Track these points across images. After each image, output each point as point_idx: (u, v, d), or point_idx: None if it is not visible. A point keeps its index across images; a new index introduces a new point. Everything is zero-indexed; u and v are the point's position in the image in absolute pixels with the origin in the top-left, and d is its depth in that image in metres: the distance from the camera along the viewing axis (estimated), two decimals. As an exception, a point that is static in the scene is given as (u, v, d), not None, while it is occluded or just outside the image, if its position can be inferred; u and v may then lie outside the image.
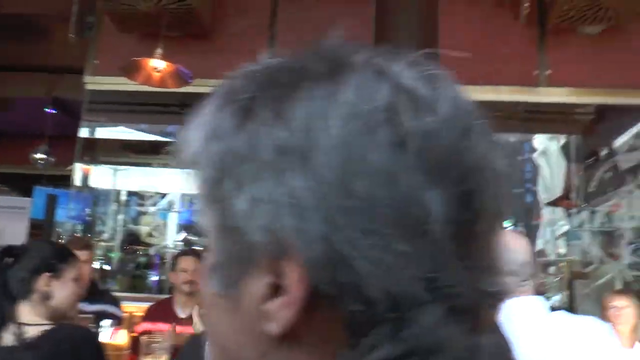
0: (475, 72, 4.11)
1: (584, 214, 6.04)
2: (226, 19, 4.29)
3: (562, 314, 1.57)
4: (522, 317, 1.48)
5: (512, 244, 1.56)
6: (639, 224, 5.62)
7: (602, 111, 5.36)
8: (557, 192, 6.65)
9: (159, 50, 3.12)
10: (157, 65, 3.10)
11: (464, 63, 4.02)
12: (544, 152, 6.88)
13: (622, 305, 3.50)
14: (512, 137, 6.12)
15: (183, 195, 6.89)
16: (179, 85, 3.29)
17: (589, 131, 5.81)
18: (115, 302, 3.44)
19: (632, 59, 4.15)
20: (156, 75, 3.15)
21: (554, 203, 6.57)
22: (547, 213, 7.12)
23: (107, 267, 6.20)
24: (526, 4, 3.58)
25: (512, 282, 1.53)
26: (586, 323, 1.55)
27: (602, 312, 3.67)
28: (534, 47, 4.14)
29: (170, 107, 6.07)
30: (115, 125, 6.99)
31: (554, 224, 6.87)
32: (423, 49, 2.03)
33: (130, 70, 3.12)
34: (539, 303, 1.55)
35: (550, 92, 4.12)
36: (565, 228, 6.65)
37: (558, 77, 4.10)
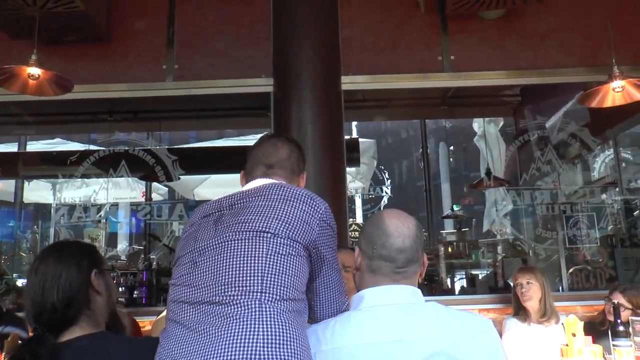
0: (379, 60, 4.11)
1: (526, 193, 6.06)
2: (123, 21, 4.21)
3: (434, 305, 1.49)
4: (389, 305, 1.43)
5: (393, 229, 1.51)
6: (575, 199, 5.69)
7: (526, 92, 5.42)
8: (499, 173, 6.73)
9: (33, 57, 2.99)
10: (33, 72, 2.97)
11: (366, 52, 4.06)
12: (483, 136, 6.94)
13: (527, 281, 3.54)
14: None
15: (126, 205, 6.79)
16: (58, 92, 3.17)
17: (519, 113, 5.85)
18: (20, 323, 3.33)
19: (532, 41, 4.18)
20: (32, 82, 3.02)
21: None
22: (490, 194, 7.21)
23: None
24: (420, -8, 3.54)
25: (386, 267, 1.47)
26: (457, 317, 1.47)
27: (513, 289, 3.72)
28: (436, 33, 4.13)
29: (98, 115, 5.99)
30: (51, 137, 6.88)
31: (498, 204, 6.95)
32: (324, 41, 2.05)
33: (4, 78, 2.99)
34: (408, 292, 1.48)
35: (454, 77, 4.11)
36: (509, 208, 6.74)
37: (461, 62, 4.09)
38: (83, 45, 4.10)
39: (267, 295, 1.41)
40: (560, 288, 5.38)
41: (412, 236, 1.52)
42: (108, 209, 6.61)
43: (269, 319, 1.38)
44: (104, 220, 6.53)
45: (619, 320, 2.99)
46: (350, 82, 4.04)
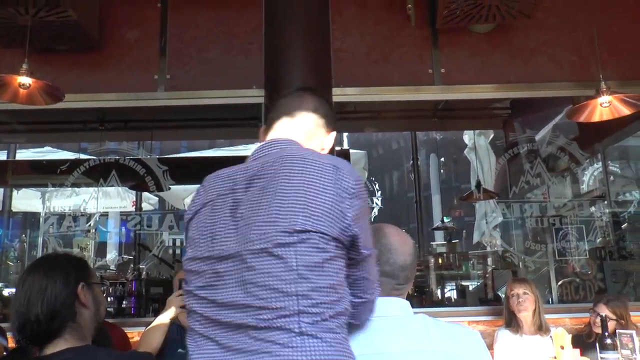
0: (370, 73, 4.13)
1: (516, 206, 6.12)
2: (115, 30, 4.21)
3: (423, 318, 1.51)
4: (378, 317, 1.45)
5: (397, 246, 1.51)
6: (564, 212, 5.74)
7: (515, 105, 5.48)
8: (489, 185, 6.77)
9: (24, 66, 2.99)
10: (24, 81, 2.96)
11: (358, 64, 4.07)
12: (473, 148, 6.99)
13: (524, 292, 3.56)
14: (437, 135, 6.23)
15: (116, 214, 6.77)
16: (49, 102, 3.17)
17: (509, 126, 5.90)
18: (2, 333, 3.31)
19: (521, 56, 4.23)
20: (23, 92, 3.02)
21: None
22: (480, 206, 7.25)
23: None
24: (409, 6, 3.59)
25: (387, 284, 1.49)
26: (445, 329, 1.49)
27: (505, 301, 3.73)
28: (427, 47, 4.16)
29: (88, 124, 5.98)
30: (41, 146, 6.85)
31: (488, 216, 6.99)
32: (316, 53, 2.00)
33: (-4, 87, 2.99)
34: (398, 304, 1.50)
35: (444, 90, 4.14)
36: (499, 220, 6.78)
37: (452, 75, 4.13)
38: (75, 54, 4.10)
39: (306, 316, 1.23)
40: (550, 300, 5.41)
41: (412, 254, 1.55)
42: (98, 219, 6.59)
43: (311, 346, 1.22)
44: (94, 230, 6.50)
45: (606, 333, 3.02)
46: (341, 94, 4.05)
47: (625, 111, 3.45)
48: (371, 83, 4.09)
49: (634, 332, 3.05)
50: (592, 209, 6.33)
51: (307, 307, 1.22)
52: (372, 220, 11.30)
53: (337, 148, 5.79)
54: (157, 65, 4.20)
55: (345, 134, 8.46)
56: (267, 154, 1.43)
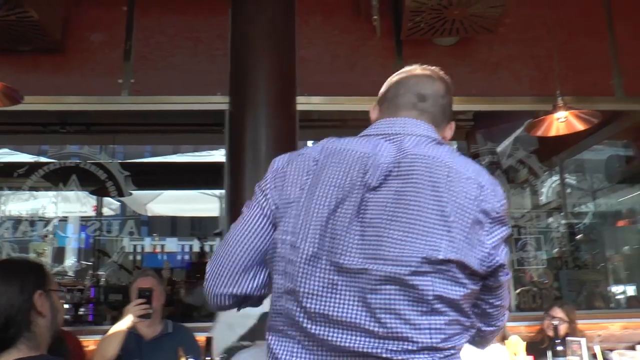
0: (335, 82, 4.17)
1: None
2: (79, 33, 4.14)
3: None
4: None
5: None
6: (523, 222, 5.87)
7: (478, 117, 5.60)
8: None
9: (-21, 67, 2.92)
10: (-20, 83, 2.90)
11: (322, 73, 4.10)
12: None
13: None
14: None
15: (76, 219, 6.63)
16: (7, 104, 3.09)
17: (471, 137, 6.01)
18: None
19: (484, 69, 4.33)
20: (-20, 94, 2.95)
21: None
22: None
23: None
24: (375, 17, 3.64)
25: None
26: None
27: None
28: (391, 57, 4.22)
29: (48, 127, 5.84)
30: None
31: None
32: (280, 61, 1.92)
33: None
34: None
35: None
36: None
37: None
38: (37, 56, 4.01)
39: (438, 352, 1.10)
40: (509, 308, 5.51)
41: None
42: (57, 224, 6.44)
43: None
44: (52, 235, 6.35)
45: (557, 340, 3.11)
46: (305, 103, 4.08)
47: (580, 127, 3.57)
48: (335, 92, 4.13)
49: (583, 339, 3.15)
50: (550, 219, 6.49)
51: (439, 342, 1.09)
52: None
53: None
54: (121, 69, 4.14)
55: (309, 142, 8.50)
56: (402, 142, 1.24)
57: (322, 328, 1.11)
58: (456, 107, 4.51)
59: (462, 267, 1.11)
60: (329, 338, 1.10)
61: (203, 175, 6.78)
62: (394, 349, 1.07)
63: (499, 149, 5.93)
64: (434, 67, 1.48)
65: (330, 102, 4.20)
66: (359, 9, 4.17)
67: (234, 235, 1.26)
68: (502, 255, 1.20)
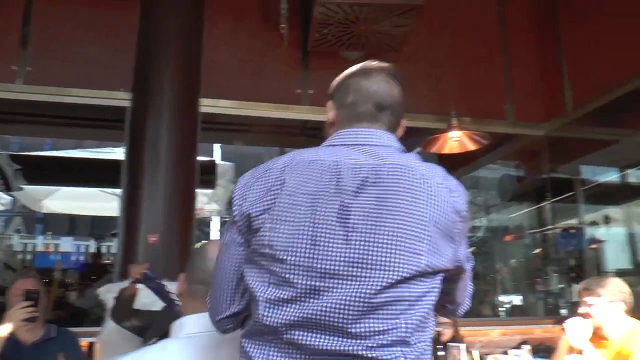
0: (240, 87, 4.18)
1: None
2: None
3: None
4: (209, 333, 1.43)
5: (214, 255, 1.49)
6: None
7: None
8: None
9: None
10: None
11: (228, 77, 4.10)
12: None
13: None
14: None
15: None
16: None
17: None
18: None
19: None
20: None
21: None
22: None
23: None
24: (282, 25, 3.69)
25: (201, 291, 1.48)
26: None
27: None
28: (297, 67, 4.29)
29: None
30: None
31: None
32: (187, 61, 1.86)
33: None
34: None
35: (311, 110, 4.28)
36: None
37: (320, 97, 4.28)
38: None
39: (407, 345, 1.15)
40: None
41: None
42: None
43: None
44: None
45: (439, 346, 3.27)
46: (209, 105, 4.06)
47: (471, 146, 3.79)
48: (240, 97, 4.15)
49: (463, 345, 3.33)
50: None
51: (409, 336, 1.14)
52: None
53: (205, 159, 5.74)
54: (17, 55, 3.94)
55: (216, 145, 8.43)
56: (375, 154, 1.26)
57: (302, 333, 1.14)
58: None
59: (438, 267, 1.18)
60: (309, 342, 1.13)
61: (104, 172, 6.52)
62: (372, 345, 1.12)
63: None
64: (389, 66, 1.48)
65: (236, 107, 4.21)
66: (268, 16, 4.21)
67: (221, 263, 1.30)
68: (464, 251, 1.30)
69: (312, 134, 5.71)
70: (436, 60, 4.60)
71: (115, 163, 4.93)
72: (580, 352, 2.93)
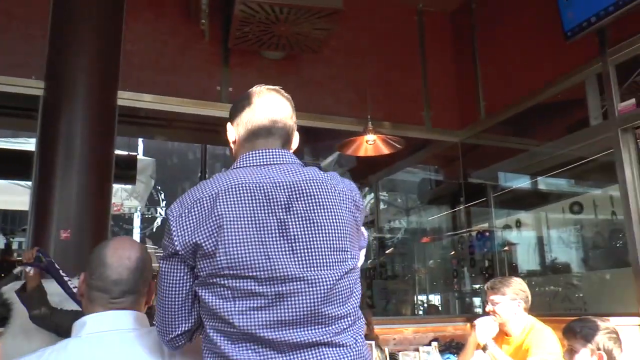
0: (159, 81, 4.12)
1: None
2: None
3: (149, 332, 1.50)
4: (111, 331, 1.41)
5: (112, 260, 1.48)
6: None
7: (304, 132, 5.83)
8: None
9: None
10: None
11: (147, 71, 4.03)
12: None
13: None
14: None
15: None
16: None
17: (298, 151, 6.24)
18: None
19: (307, 86, 4.56)
20: None
21: None
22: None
23: None
24: (203, 21, 3.67)
25: (101, 299, 1.45)
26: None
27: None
28: (218, 64, 4.28)
29: None
30: None
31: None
32: (104, 52, 1.81)
33: None
34: (132, 317, 1.47)
35: (229, 107, 4.26)
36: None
37: (238, 95, 4.27)
38: None
39: (356, 327, 1.40)
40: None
41: (131, 268, 1.50)
42: None
43: (361, 350, 1.39)
44: None
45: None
46: (127, 98, 3.98)
47: (386, 150, 3.90)
48: (160, 91, 4.08)
49: (373, 342, 3.44)
50: (366, 233, 6.95)
51: (358, 319, 1.40)
52: (154, 230, 11.06)
53: (125, 153, 5.60)
54: None
55: (140, 139, 8.24)
56: (288, 171, 1.42)
57: (276, 331, 1.30)
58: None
59: (357, 257, 1.46)
60: (283, 338, 1.30)
61: (15, 164, 6.23)
62: (336, 331, 1.34)
63: (323, 164, 6.24)
64: (278, 88, 1.65)
65: (156, 101, 4.14)
66: (189, 11, 4.16)
67: (166, 291, 1.40)
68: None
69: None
70: (356, 65, 4.69)
71: (27, 154, 4.73)
72: (484, 349, 3.08)
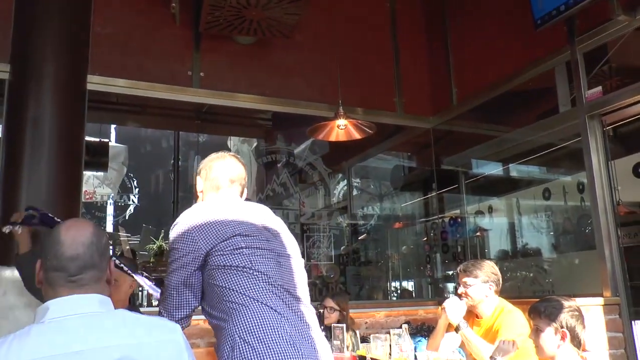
0: (128, 64, 4.05)
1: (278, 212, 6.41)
2: None
3: (122, 313, 1.49)
4: (74, 315, 1.40)
5: (66, 238, 1.48)
6: (313, 220, 6.24)
7: (276, 118, 5.82)
8: (248, 191, 7.03)
9: None
10: None
11: (116, 54, 3.94)
12: (237, 153, 7.22)
13: None
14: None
15: None
16: None
17: (270, 137, 6.24)
18: None
19: (278, 72, 4.54)
20: None
21: None
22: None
23: None
24: (173, 4, 3.62)
25: (59, 278, 1.44)
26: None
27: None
28: (189, 48, 4.23)
29: None
30: None
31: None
32: (72, 34, 1.77)
33: None
34: (96, 300, 1.47)
35: (201, 93, 4.24)
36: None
37: (209, 80, 4.24)
38: None
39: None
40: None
41: (86, 243, 1.51)
42: None
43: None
44: None
45: (322, 326, 3.38)
46: (96, 83, 3.89)
47: (357, 135, 3.92)
48: (129, 76, 4.00)
49: (344, 325, 3.47)
50: (340, 219, 6.98)
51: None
52: (127, 218, 10.95)
53: (96, 140, 5.53)
54: None
55: (113, 126, 8.12)
56: (251, 206, 2.16)
57: (282, 291, 1.96)
58: (250, 105, 4.69)
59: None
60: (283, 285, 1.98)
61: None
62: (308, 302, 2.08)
63: (296, 150, 6.24)
64: (234, 154, 2.29)
65: (126, 86, 4.06)
66: (159, -7, 4.09)
67: (179, 279, 2.00)
68: None
69: (207, 119, 5.66)
70: (327, 50, 4.67)
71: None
72: (457, 329, 3.13)
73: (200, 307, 2.02)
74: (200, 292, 2.02)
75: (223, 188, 2.15)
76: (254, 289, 1.91)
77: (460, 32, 5.05)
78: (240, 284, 1.92)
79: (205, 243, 1.96)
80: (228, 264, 1.93)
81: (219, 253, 1.95)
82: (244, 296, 1.89)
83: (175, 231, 2.03)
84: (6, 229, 2.63)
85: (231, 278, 1.92)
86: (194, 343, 3.36)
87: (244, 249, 1.96)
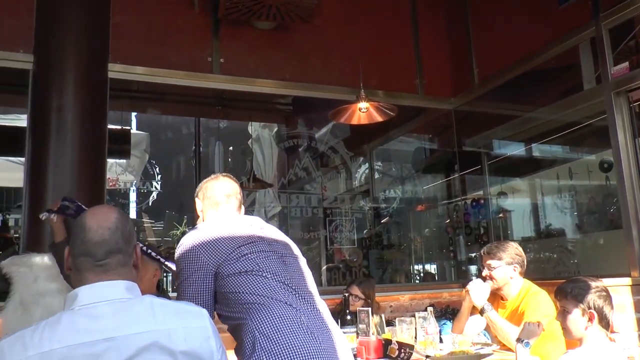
0: (149, 52, 4.07)
1: (293, 196, 6.45)
2: None
3: (149, 299, 1.51)
4: (102, 302, 1.42)
5: (92, 224, 1.51)
6: (336, 205, 6.24)
7: (297, 102, 5.81)
8: (269, 176, 7.05)
9: None
10: None
11: (137, 42, 3.97)
12: (258, 139, 7.23)
13: None
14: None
15: None
16: None
17: (291, 122, 6.23)
18: None
19: (298, 56, 4.52)
20: None
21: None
22: (260, 195, 7.54)
23: None
24: (191, -10, 3.61)
25: (86, 262, 1.48)
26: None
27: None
28: (208, 34, 4.23)
29: None
30: None
31: (265, 205, 7.28)
32: (93, 23, 1.81)
33: None
34: (123, 287, 1.49)
35: (221, 79, 4.25)
36: (277, 209, 7.12)
37: (229, 66, 4.24)
38: None
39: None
40: (320, 283, 5.84)
41: (112, 228, 1.54)
42: None
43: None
44: None
45: (347, 310, 3.40)
46: (118, 71, 3.92)
47: (379, 118, 3.89)
48: (148, 63, 4.03)
49: (369, 309, 3.48)
50: (362, 203, 6.97)
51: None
52: (150, 204, 11.09)
53: (118, 127, 5.57)
54: None
55: (134, 114, 8.20)
56: (257, 225, 2.28)
57: (293, 287, 2.07)
58: (270, 90, 4.69)
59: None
60: (290, 284, 2.08)
61: (8, 140, 6.19)
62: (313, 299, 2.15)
63: (318, 134, 6.23)
64: (227, 174, 2.47)
65: (147, 73, 4.09)
66: (178, -20, 4.10)
67: (195, 287, 2.10)
68: None
69: (227, 105, 5.67)
70: (347, 33, 4.63)
71: (20, 130, 4.70)
72: (481, 311, 3.12)
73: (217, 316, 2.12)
74: (213, 307, 2.12)
75: (221, 204, 2.34)
76: (267, 288, 2.01)
77: (481, 10, 4.97)
78: (252, 286, 2.02)
79: (212, 260, 2.08)
80: (237, 270, 2.05)
81: (227, 264, 2.06)
82: (258, 296, 1.99)
83: (180, 252, 2.15)
84: (43, 216, 2.70)
85: (242, 283, 2.03)
86: (220, 328, 3.38)
87: (249, 255, 2.08)
